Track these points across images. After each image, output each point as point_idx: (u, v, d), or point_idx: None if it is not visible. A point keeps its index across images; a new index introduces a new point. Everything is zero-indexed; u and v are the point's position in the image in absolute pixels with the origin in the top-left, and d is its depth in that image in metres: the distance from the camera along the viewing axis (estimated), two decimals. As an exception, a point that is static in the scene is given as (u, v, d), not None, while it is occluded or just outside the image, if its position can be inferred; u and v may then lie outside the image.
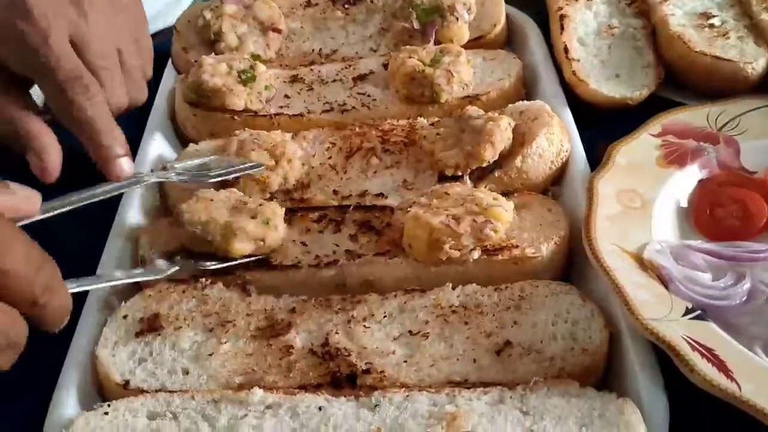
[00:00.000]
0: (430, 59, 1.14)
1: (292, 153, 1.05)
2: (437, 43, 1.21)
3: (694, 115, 1.06)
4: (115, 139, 0.95)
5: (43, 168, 0.93)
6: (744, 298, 0.83)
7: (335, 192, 1.03)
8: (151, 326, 0.87)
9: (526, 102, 1.09)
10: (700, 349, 0.75)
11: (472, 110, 1.05)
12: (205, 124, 1.15)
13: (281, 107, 1.16)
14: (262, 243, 0.93)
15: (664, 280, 0.84)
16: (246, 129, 1.08)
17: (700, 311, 0.81)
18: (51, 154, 0.94)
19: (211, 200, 0.95)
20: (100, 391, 0.85)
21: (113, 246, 0.98)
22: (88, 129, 0.94)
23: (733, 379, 0.72)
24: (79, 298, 0.91)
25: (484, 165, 1.00)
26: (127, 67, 1.04)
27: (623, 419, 0.70)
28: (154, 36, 1.17)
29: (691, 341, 0.75)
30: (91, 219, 1.06)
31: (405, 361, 0.82)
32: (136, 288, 0.95)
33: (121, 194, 1.01)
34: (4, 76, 0.97)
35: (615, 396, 0.74)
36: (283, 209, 0.96)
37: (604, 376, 0.82)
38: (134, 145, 1.13)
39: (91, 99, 0.94)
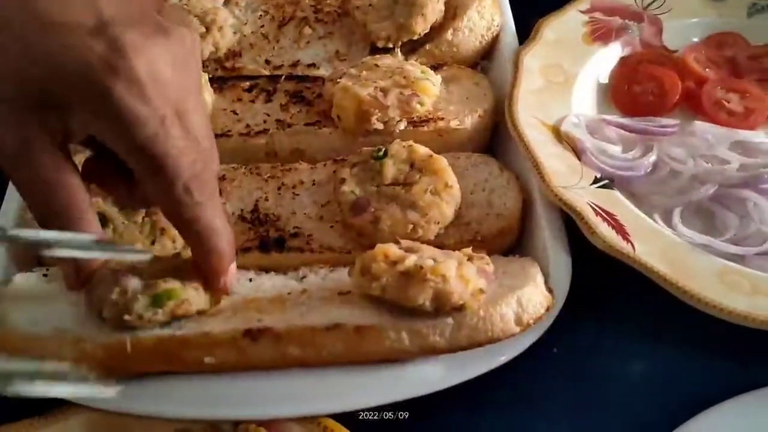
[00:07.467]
0: (366, -72, 1.11)
1: (223, 20, 1.03)
2: None
3: (622, -8, 1.08)
4: (230, 243, 0.71)
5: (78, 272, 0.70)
6: (649, 170, 0.89)
7: (267, 61, 1.03)
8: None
9: (460, -26, 1.09)
10: (603, 214, 0.81)
11: (406, -19, 1.04)
12: (132, -12, 1.12)
13: (212, -28, 1.13)
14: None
15: (578, 152, 0.89)
16: (175, -6, 1.06)
17: (608, 180, 0.86)
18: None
19: None
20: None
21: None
22: (202, 232, 0.68)
23: (629, 241, 0.79)
24: None
25: (416, 37, 1.01)
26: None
27: (523, 272, 0.77)
28: None
29: (595, 207, 0.81)
30: None
31: (332, 227, 0.86)
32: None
33: None
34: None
35: (518, 256, 0.81)
36: (206, 75, 0.96)
37: (519, 239, 0.88)
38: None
39: (211, 198, 0.67)
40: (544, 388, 0.79)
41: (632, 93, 0.99)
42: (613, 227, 0.80)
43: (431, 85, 0.93)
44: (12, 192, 0.88)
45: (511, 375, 0.75)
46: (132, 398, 0.72)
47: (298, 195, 0.89)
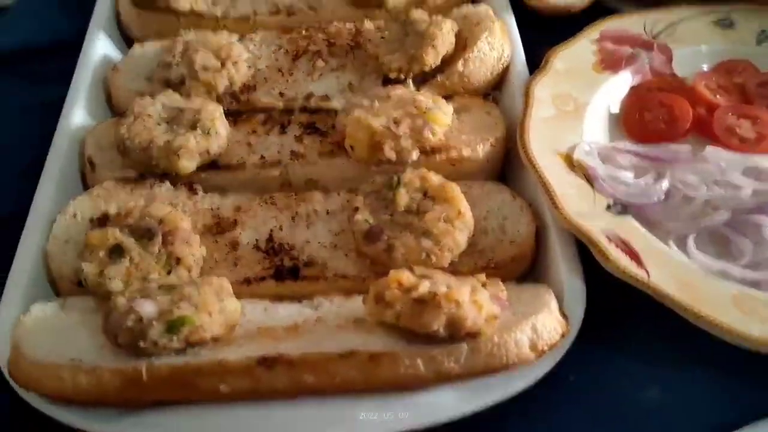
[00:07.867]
0: (377, -37, 1.14)
1: (237, 55, 1.05)
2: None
3: (631, 22, 1.09)
4: None
5: None
6: (662, 196, 0.89)
7: (281, 94, 1.05)
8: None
9: (471, 6, 1.10)
10: (617, 240, 0.81)
11: (417, 14, 1.06)
12: (150, 25, 1.15)
13: (228, 9, 1.16)
14: (207, 154, 0.94)
15: (590, 179, 0.89)
16: (191, 30, 1.08)
17: (621, 207, 0.86)
18: None
19: (149, 115, 0.95)
20: (53, 286, 0.87)
21: (59, 146, 0.99)
22: None
23: (643, 268, 0.78)
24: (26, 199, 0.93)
25: (427, 69, 1.02)
26: None
27: (538, 299, 0.77)
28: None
29: (609, 234, 0.81)
30: (36, 119, 1.07)
31: (346, 255, 0.86)
32: (84, 185, 0.97)
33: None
34: None
35: (532, 283, 0.81)
36: (221, 108, 0.98)
37: (533, 266, 0.87)
38: (77, 45, 1.13)
39: None
40: (560, 417, 0.78)
41: (643, 120, 0.99)
42: (627, 254, 0.80)
43: (443, 114, 0.94)
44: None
45: (527, 403, 0.75)
46: (143, 429, 0.72)
47: (312, 224, 0.89)
